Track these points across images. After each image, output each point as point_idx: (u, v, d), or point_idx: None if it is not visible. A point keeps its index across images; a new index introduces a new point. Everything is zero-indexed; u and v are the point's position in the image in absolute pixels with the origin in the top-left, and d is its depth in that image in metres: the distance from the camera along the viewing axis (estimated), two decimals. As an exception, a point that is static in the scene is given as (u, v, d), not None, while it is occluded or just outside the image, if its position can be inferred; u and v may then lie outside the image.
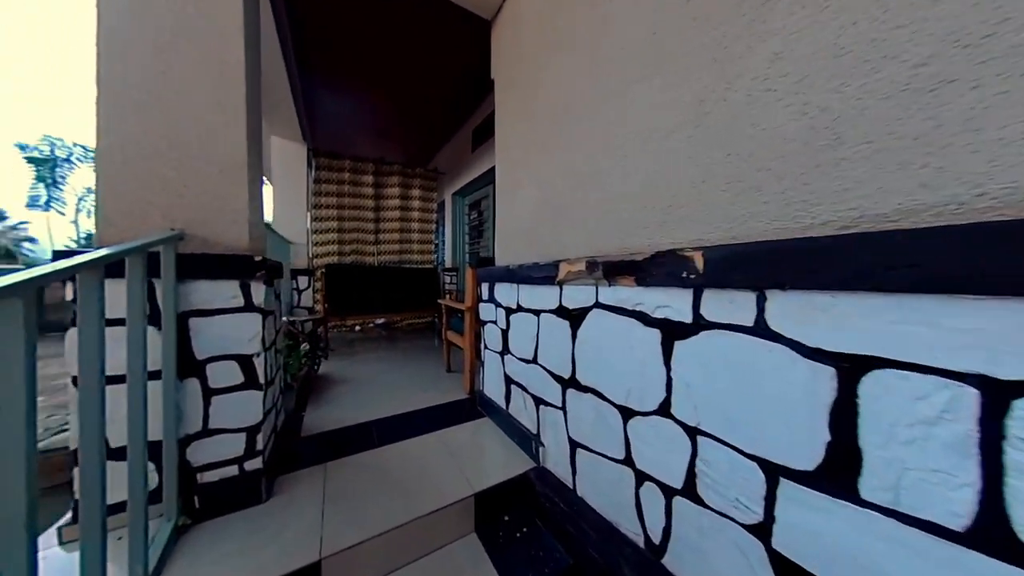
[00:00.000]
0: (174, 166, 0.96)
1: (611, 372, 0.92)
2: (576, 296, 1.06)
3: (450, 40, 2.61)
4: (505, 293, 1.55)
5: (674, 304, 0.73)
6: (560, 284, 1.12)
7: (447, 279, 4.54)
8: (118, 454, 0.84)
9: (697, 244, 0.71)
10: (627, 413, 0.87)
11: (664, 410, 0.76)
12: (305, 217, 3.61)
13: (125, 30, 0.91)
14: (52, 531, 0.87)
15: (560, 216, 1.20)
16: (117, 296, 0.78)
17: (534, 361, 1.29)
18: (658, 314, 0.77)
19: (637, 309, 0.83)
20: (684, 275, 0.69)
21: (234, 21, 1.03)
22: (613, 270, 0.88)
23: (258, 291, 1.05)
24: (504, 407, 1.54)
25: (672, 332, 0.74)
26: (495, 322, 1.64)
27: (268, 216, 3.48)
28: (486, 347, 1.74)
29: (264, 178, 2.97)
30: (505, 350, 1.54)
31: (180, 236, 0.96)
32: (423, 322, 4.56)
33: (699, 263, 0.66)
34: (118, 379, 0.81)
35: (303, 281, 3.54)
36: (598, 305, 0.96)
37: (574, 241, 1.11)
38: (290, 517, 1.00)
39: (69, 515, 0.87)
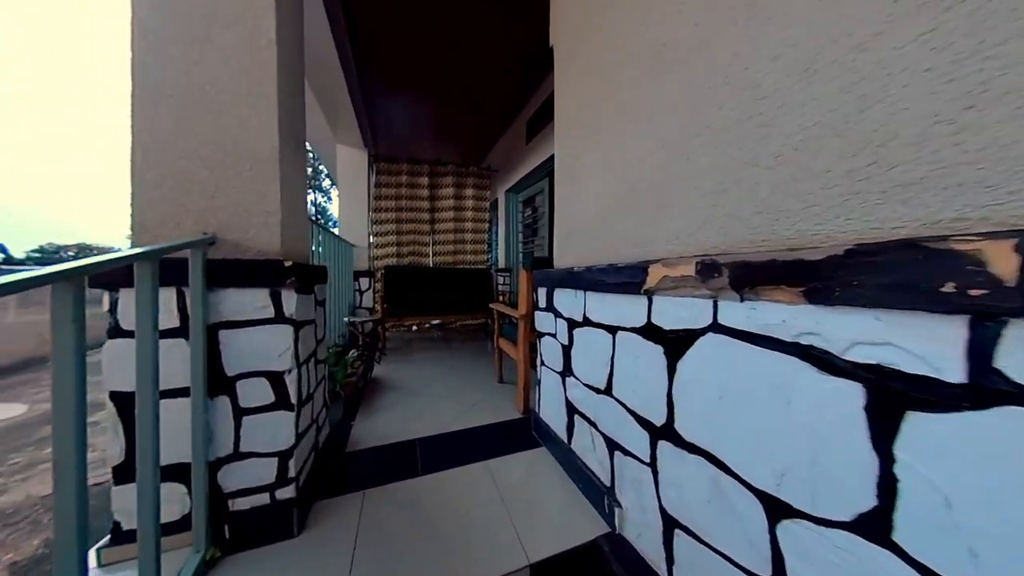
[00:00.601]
0: (206, 164, 0.89)
1: (744, 434, 0.59)
2: (675, 312, 0.74)
3: (502, 19, 2.40)
4: (567, 301, 1.28)
5: (907, 344, 0.39)
6: (649, 294, 0.82)
7: (500, 280, 4.39)
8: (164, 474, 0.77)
9: (969, 230, 0.36)
10: (778, 508, 0.54)
11: (870, 527, 0.43)
12: (366, 221, 3.74)
13: (157, 19, 0.85)
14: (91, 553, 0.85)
15: (647, 200, 0.89)
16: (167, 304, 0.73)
17: (607, 392, 1.00)
18: (860, 357, 0.43)
19: (805, 343, 0.49)
20: (948, 289, 0.35)
21: (266, 1, 0.93)
22: (752, 276, 0.56)
23: (289, 300, 0.93)
24: (565, 440, 1.27)
25: (902, 396, 0.40)
26: (554, 335, 1.38)
27: (329, 222, 3.67)
28: (543, 363, 1.48)
29: (335, 184, 3.02)
30: (567, 371, 1.27)
31: (211, 240, 0.88)
32: (476, 323, 4.47)
33: (1000, 267, 0.32)
34: (166, 393, 0.75)
35: (364, 282, 3.67)
36: (717, 328, 0.64)
37: (670, 234, 0.79)
38: (318, 560, 0.86)
39: (108, 537, 0.84)
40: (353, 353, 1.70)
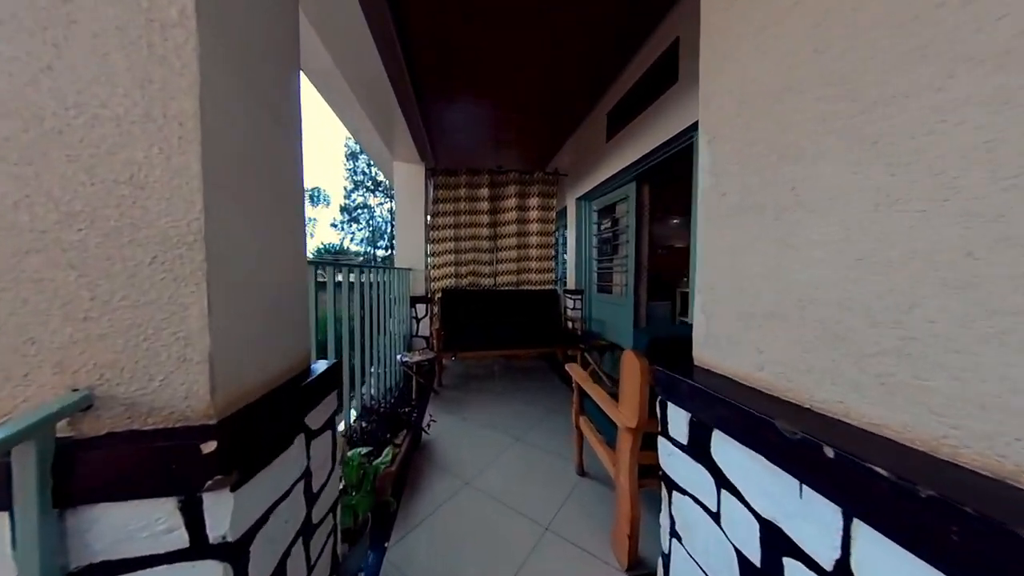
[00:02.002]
0: (73, 258, 0.47)
1: None
2: None
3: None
4: (741, 465, 0.64)
5: None
6: None
7: (569, 303, 3.75)
8: None
9: None
10: None
11: None
12: (423, 241, 3.45)
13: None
14: None
15: None
16: None
17: None
18: None
19: None
20: None
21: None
22: None
23: (219, 511, 0.48)
24: None
25: None
26: (699, 500, 0.74)
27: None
28: (676, 534, 0.85)
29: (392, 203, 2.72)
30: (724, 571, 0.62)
31: (84, 404, 0.46)
32: (542, 352, 3.91)
33: None
34: None
35: (421, 309, 3.37)
36: None
37: None
38: None
39: None
40: (387, 453, 1.27)
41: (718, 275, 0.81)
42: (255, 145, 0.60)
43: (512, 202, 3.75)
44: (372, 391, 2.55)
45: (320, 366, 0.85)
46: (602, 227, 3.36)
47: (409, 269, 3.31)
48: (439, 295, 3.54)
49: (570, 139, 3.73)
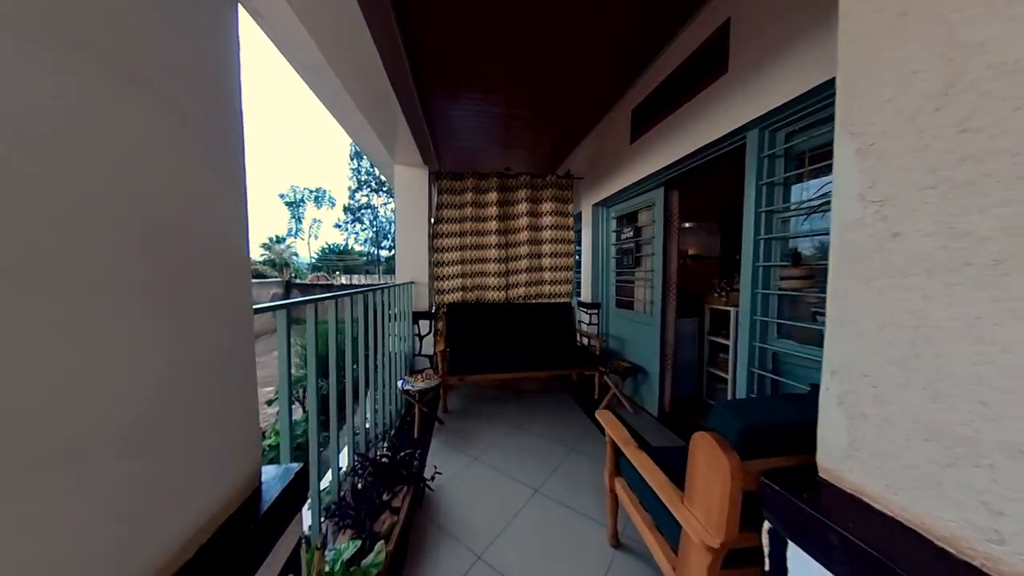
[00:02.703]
0: None
1: None
2: None
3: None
4: None
5: None
6: None
7: (584, 317, 3.46)
8: None
9: None
10: None
11: None
12: (427, 251, 3.18)
13: None
14: None
15: None
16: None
17: None
18: None
19: None
20: None
21: None
22: None
23: None
24: None
25: None
26: None
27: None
28: None
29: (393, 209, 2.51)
30: None
31: None
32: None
33: None
34: None
35: (424, 326, 3.11)
36: None
37: None
38: None
39: None
40: (379, 550, 0.99)
41: (879, 359, 0.52)
42: (114, 162, 0.33)
43: (523, 207, 3.46)
44: (368, 423, 2.30)
45: (274, 484, 0.58)
46: (622, 236, 3.07)
47: (411, 283, 3.05)
48: (444, 310, 3.27)
49: (586, 139, 3.44)
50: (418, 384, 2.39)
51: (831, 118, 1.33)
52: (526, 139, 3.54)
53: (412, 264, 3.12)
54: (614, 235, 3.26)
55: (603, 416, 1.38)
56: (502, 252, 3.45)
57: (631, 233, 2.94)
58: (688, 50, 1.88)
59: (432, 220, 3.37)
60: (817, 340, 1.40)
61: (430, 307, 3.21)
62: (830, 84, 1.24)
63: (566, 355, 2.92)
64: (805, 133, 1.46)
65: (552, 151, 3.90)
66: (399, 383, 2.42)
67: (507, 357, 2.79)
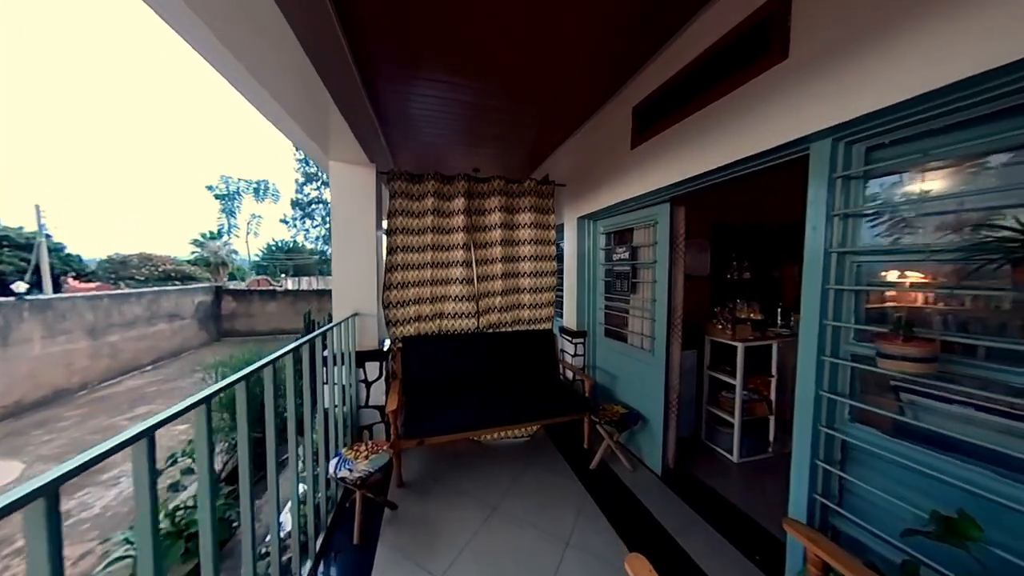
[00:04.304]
0: None
1: None
2: None
3: None
4: None
5: None
6: None
7: (568, 347, 2.99)
8: None
9: None
10: None
11: None
12: (375, 271, 2.50)
13: None
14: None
15: None
16: None
17: None
18: None
19: None
20: None
21: None
22: None
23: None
24: None
25: None
26: None
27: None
28: None
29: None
30: None
31: None
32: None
33: None
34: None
35: (372, 369, 2.43)
36: None
37: None
38: None
39: None
40: None
41: None
42: None
43: (497, 217, 2.90)
44: (285, 525, 1.63)
45: None
46: (615, 257, 2.63)
47: (354, 315, 2.35)
48: (399, 345, 2.62)
49: (571, 139, 2.95)
50: (360, 464, 1.74)
51: (941, 130, 0.91)
52: (499, 136, 2.98)
53: (355, 290, 2.42)
54: (603, 253, 2.81)
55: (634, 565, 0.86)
56: (472, 271, 2.86)
57: (626, 254, 2.50)
58: (722, 28, 1.44)
59: (385, 232, 2.69)
60: (913, 433, 1.01)
61: (380, 344, 2.54)
62: (959, 86, 0.84)
63: (551, 396, 2.42)
64: (898, 148, 1.07)
65: (530, 152, 3.37)
66: (331, 464, 1.75)
67: (480, 405, 2.22)
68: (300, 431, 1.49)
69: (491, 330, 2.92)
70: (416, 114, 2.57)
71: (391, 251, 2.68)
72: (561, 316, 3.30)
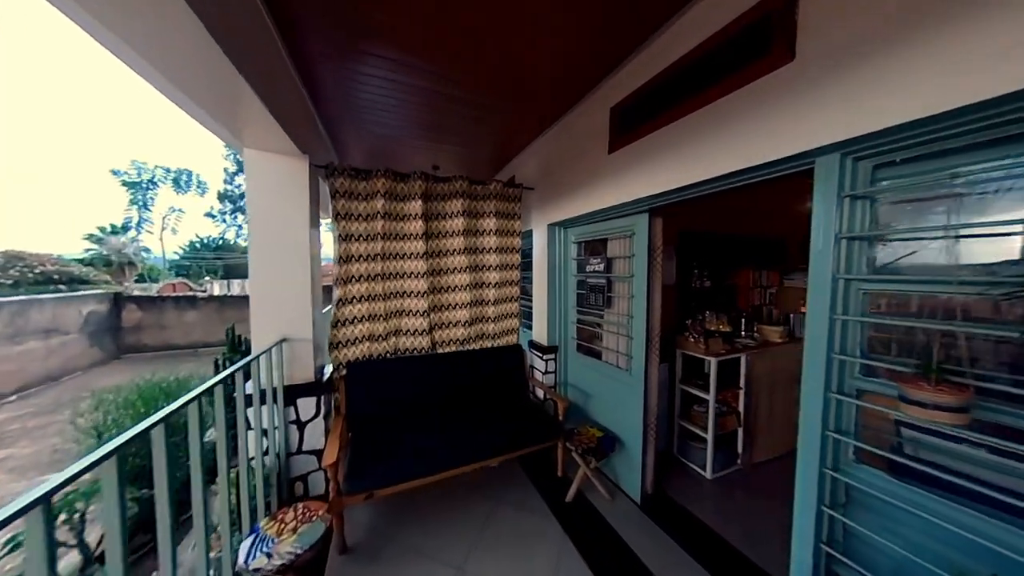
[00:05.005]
0: None
1: None
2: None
3: None
4: None
5: None
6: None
7: (540, 365, 2.78)
8: None
9: None
10: None
11: None
12: (309, 284, 2.06)
13: None
14: None
15: None
16: None
17: None
18: None
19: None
20: None
21: None
22: None
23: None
24: None
25: None
26: None
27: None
28: None
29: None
30: None
31: None
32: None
33: None
34: None
35: (307, 406, 1.99)
36: None
37: None
38: None
39: None
40: None
41: None
42: None
43: (459, 223, 2.59)
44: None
45: None
46: (588, 268, 2.46)
47: (282, 341, 1.90)
48: (343, 373, 2.20)
49: (541, 137, 2.73)
50: (284, 544, 1.34)
51: (957, 150, 0.80)
52: (462, 131, 2.66)
53: (282, 309, 1.96)
54: (575, 264, 2.63)
55: None
56: (432, 282, 2.52)
57: (601, 266, 2.34)
58: (718, 23, 1.29)
59: (337, 236, 2.25)
60: (932, 480, 0.92)
61: (318, 374, 2.10)
62: (990, 104, 0.74)
63: (523, 422, 2.18)
64: (907, 168, 0.97)
65: (496, 151, 3.09)
66: (242, 549, 1.33)
67: (442, 441, 1.90)
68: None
69: (454, 348, 2.61)
70: (366, 100, 2.17)
71: (339, 261, 2.25)
72: (530, 329, 3.08)
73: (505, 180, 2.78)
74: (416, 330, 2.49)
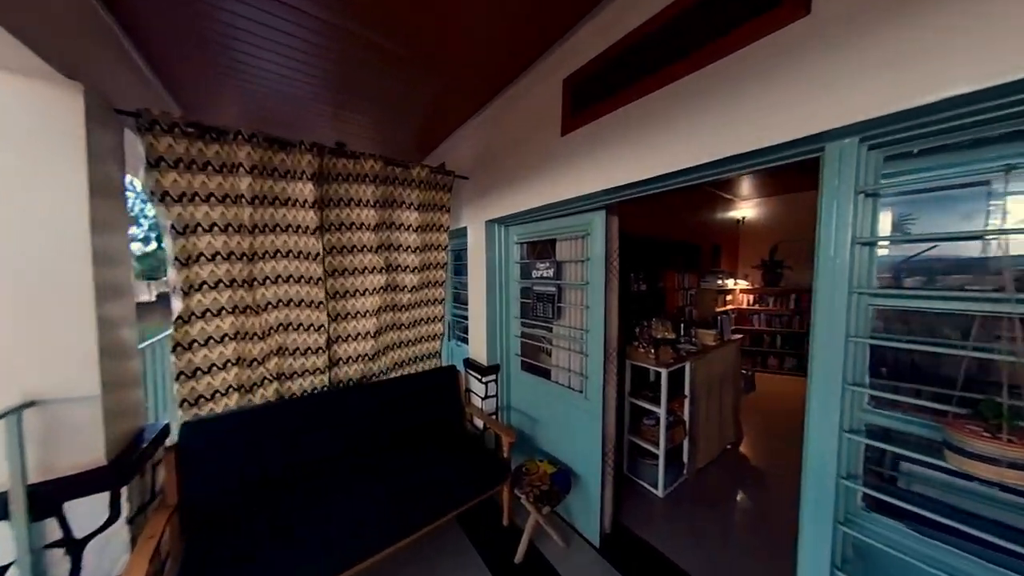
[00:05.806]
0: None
1: None
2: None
3: None
4: None
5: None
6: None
7: (479, 388, 2.34)
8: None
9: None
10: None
11: None
12: (91, 303, 1.24)
13: None
14: None
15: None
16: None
17: None
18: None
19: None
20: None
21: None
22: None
23: None
24: None
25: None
26: None
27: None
28: None
29: None
30: None
31: None
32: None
33: None
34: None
35: (87, 511, 1.18)
36: None
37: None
38: None
39: None
40: None
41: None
42: None
43: (371, 214, 1.98)
44: None
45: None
46: (535, 274, 2.10)
47: (25, 406, 1.07)
48: (176, 444, 1.42)
49: (479, 115, 2.28)
50: None
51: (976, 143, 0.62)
52: (375, 96, 2.07)
53: (27, 343, 1.12)
54: (519, 268, 2.26)
55: None
56: (323, 287, 1.87)
57: (550, 271, 2.00)
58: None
59: (169, 228, 1.42)
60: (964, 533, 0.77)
61: (118, 455, 1.28)
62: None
63: (458, 468, 1.72)
64: (920, 162, 0.82)
65: (421, 128, 2.54)
66: None
67: (347, 520, 1.32)
68: None
69: (364, 380, 1.99)
70: (225, 26, 1.43)
71: (176, 263, 1.46)
72: (466, 343, 2.61)
73: (435, 165, 2.26)
74: (308, 368, 1.81)
